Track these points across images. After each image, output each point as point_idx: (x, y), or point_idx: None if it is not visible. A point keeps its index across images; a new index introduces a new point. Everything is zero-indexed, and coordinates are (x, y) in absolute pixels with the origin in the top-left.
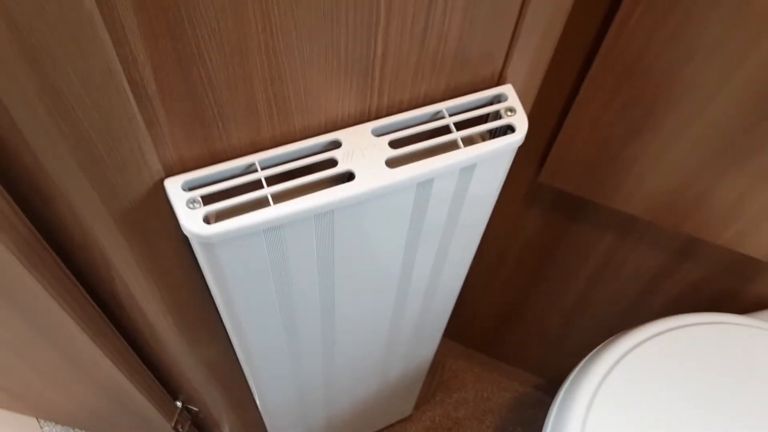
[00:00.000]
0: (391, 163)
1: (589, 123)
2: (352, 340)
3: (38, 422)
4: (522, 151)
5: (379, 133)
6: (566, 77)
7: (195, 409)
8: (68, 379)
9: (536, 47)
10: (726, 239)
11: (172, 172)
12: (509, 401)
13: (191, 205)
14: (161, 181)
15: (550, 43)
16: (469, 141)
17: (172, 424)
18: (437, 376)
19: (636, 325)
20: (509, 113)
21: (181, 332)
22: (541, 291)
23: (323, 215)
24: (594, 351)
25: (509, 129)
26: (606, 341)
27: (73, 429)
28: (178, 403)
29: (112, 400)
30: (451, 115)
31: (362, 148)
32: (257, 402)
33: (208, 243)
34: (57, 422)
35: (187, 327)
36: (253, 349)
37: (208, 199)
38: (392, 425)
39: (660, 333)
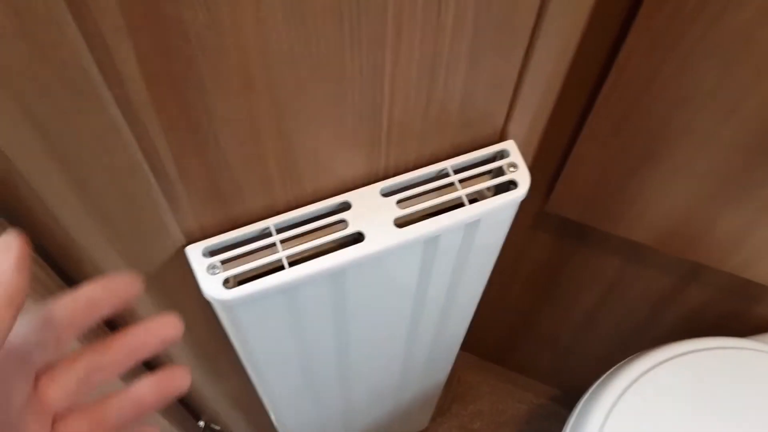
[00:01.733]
0: (399, 221)
1: (591, 159)
2: (368, 374)
3: None
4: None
5: (386, 193)
6: (570, 116)
7: (217, 428)
8: None
9: (536, 104)
10: (731, 266)
11: (193, 239)
12: (524, 413)
13: (211, 271)
14: (183, 248)
15: (550, 100)
16: (473, 196)
17: None
18: (453, 389)
19: (647, 342)
20: (511, 169)
21: (203, 369)
22: (552, 307)
23: (336, 274)
24: (607, 373)
25: (512, 184)
26: (619, 363)
27: None
28: (201, 423)
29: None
30: (455, 172)
31: (371, 209)
32: (275, 426)
33: (228, 306)
34: None
35: (209, 365)
36: (272, 389)
37: (227, 262)
38: None
39: (672, 357)
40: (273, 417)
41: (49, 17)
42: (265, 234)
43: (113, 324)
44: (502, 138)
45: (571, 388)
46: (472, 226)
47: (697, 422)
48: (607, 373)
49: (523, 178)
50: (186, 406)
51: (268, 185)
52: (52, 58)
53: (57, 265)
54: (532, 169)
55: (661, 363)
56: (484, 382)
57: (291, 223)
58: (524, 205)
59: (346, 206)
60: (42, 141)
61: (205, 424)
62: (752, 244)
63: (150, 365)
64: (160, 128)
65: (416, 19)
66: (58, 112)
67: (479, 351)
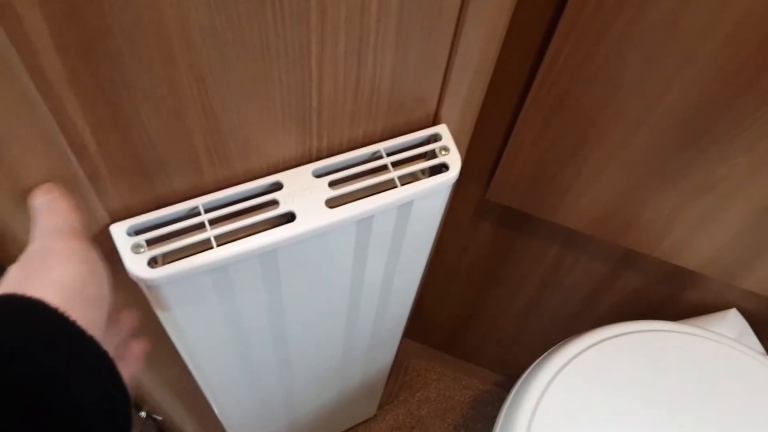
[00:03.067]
0: (331, 202)
1: (527, 147)
2: (308, 359)
3: None
4: (471, 171)
5: (319, 174)
6: (506, 106)
7: (159, 418)
8: None
9: (468, 89)
10: (661, 252)
11: (118, 218)
12: (470, 399)
13: (136, 250)
14: (107, 227)
15: (481, 84)
16: (406, 178)
17: None
18: (401, 377)
19: (586, 326)
20: (443, 152)
21: None
22: (496, 295)
23: (267, 254)
24: (540, 358)
25: (444, 167)
26: (551, 348)
27: None
28: (143, 414)
29: None
30: (388, 155)
31: (303, 189)
32: (217, 415)
33: (153, 285)
34: None
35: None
36: (208, 373)
37: (154, 242)
38: (357, 425)
39: (602, 340)
40: (214, 406)
41: None
42: (194, 213)
43: None
44: (435, 122)
45: (515, 374)
46: (405, 208)
47: (625, 402)
48: (540, 358)
49: (454, 161)
50: None
51: (195, 163)
52: None
53: None
54: (472, 158)
55: (591, 346)
56: (431, 369)
57: (221, 202)
58: (466, 194)
59: (277, 186)
60: None
61: (147, 414)
62: (678, 230)
63: None
64: (77, 102)
65: None
66: None
67: (427, 340)
